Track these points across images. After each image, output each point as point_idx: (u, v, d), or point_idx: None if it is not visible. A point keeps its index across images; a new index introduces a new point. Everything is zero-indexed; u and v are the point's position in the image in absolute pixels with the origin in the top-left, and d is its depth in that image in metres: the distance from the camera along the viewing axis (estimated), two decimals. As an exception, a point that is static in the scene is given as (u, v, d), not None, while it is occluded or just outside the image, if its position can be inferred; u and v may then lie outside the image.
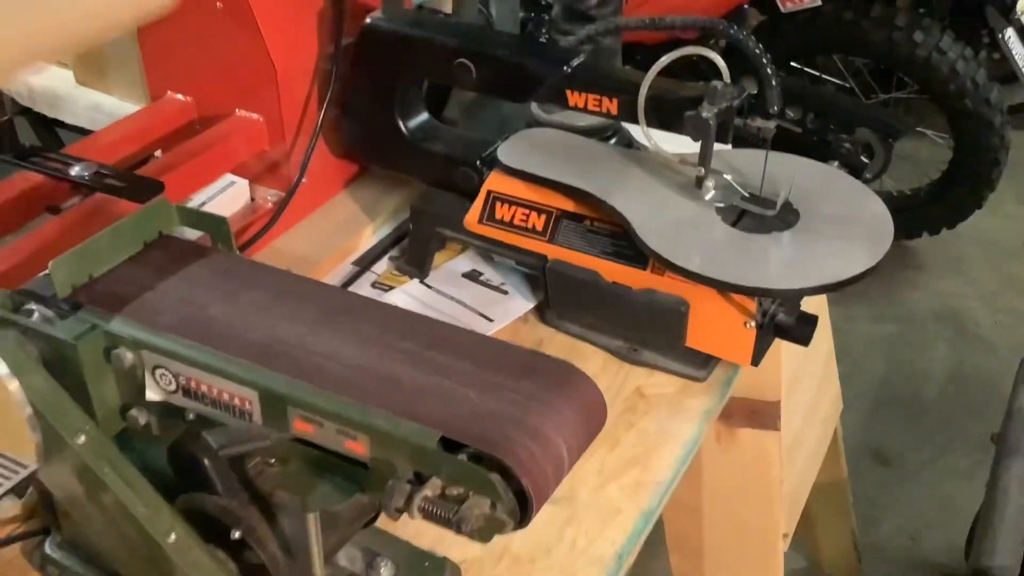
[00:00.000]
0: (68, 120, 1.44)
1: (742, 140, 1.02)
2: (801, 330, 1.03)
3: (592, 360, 1.08)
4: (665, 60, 0.99)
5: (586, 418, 0.69)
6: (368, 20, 1.14)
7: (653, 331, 1.05)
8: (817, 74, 2.91)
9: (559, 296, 1.09)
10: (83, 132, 1.39)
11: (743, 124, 0.98)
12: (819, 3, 2.63)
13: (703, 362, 1.06)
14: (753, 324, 1.00)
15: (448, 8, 1.30)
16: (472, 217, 1.11)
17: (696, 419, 1.03)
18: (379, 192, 1.29)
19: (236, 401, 0.68)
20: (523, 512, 0.63)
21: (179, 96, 1.23)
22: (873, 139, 2.60)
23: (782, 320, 1.02)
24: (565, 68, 1.03)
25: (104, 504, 0.70)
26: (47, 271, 0.73)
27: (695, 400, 1.04)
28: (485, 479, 0.62)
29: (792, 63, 2.84)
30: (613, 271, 1.04)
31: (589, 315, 1.09)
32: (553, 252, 1.07)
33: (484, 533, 0.64)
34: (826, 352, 1.47)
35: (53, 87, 1.46)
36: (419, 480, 0.64)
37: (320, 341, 0.70)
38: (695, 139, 0.97)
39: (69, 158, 1.07)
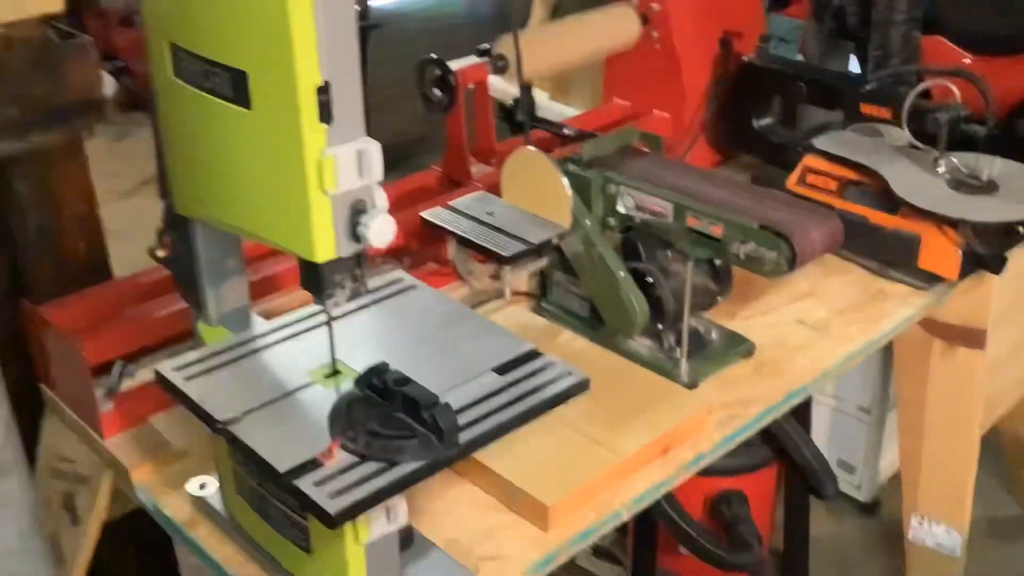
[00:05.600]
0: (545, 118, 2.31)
1: (969, 143, 1.66)
2: (993, 261, 1.63)
3: (849, 273, 1.74)
4: (921, 87, 1.65)
5: (831, 236, 1.38)
6: (744, 59, 1.90)
7: (898, 255, 1.69)
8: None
9: (840, 233, 1.76)
10: (553, 125, 2.25)
11: (966, 128, 1.62)
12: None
13: (928, 279, 1.68)
14: (959, 251, 1.62)
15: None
16: (792, 180, 1.81)
17: (916, 309, 1.66)
18: (734, 172, 2.03)
19: (659, 208, 1.44)
20: (793, 264, 1.33)
21: (621, 101, 2.05)
22: None
23: (980, 251, 1.63)
24: (860, 90, 1.73)
25: (591, 256, 1.48)
26: (580, 151, 1.53)
27: (918, 298, 1.67)
28: (778, 242, 1.32)
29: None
30: (876, 216, 1.70)
31: (857, 245, 1.75)
32: (839, 204, 1.75)
33: (771, 274, 1.34)
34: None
35: (539, 102, 2.35)
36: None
37: (700, 186, 1.45)
38: (931, 132, 1.63)
39: (562, 125, 1.92)
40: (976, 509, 1.97)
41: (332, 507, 0.86)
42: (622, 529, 2.12)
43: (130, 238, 2.27)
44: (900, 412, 1.93)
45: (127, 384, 1.41)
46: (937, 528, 1.93)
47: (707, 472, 1.86)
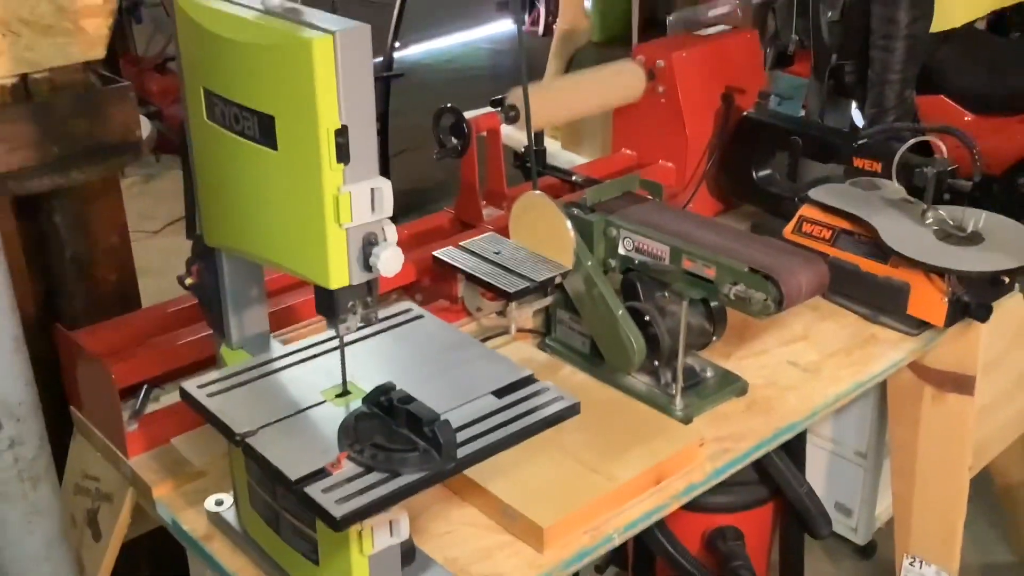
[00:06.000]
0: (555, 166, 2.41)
1: (956, 197, 1.74)
2: (979, 309, 1.70)
3: (842, 318, 1.81)
4: (909, 143, 1.74)
5: (817, 279, 1.46)
6: (744, 113, 2.00)
7: (888, 302, 1.77)
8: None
9: (831, 281, 1.84)
10: (562, 172, 2.35)
11: (953, 182, 1.71)
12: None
13: (917, 325, 1.76)
14: (946, 299, 1.69)
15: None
16: (788, 229, 1.90)
17: (905, 353, 1.73)
18: (735, 220, 2.12)
19: (659, 252, 1.53)
20: (780, 305, 1.41)
21: (628, 151, 2.15)
22: None
23: (966, 300, 1.70)
24: (853, 144, 1.82)
25: (592, 295, 1.57)
26: (584, 196, 1.63)
27: (907, 343, 1.74)
28: (766, 284, 1.41)
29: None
30: (867, 264, 1.78)
31: (850, 291, 1.82)
32: (833, 252, 1.83)
33: (759, 314, 1.42)
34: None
35: (550, 150, 2.45)
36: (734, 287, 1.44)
37: (696, 232, 1.53)
38: (920, 185, 1.71)
39: (571, 172, 2.01)
40: (969, 554, 2.02)
41: (337, 511, 0.94)
42: (623, 564, 2.17)
43: (157, 274, 2.38)
44: (893, 455, 1.99)
45: (151, 407, 1.50)
46: (928, 569, 1.98)
47: (704, 508, 1.94)
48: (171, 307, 1.61)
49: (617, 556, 2.15)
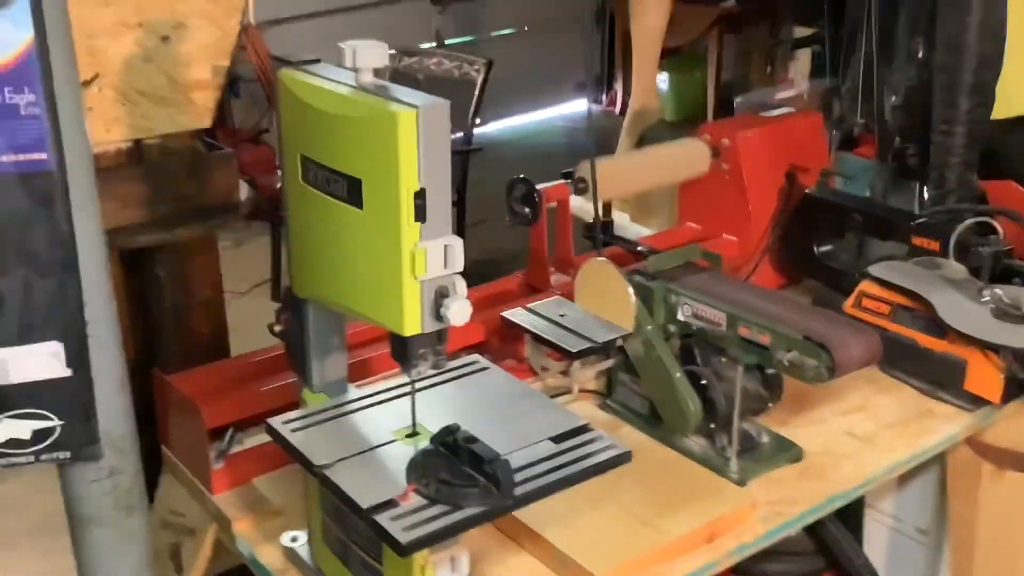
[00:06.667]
0: (622, 236, 2.50)
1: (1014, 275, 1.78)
2: (1035, 386, 1.73)
3: (900, 391, 1.85)
4: (967, 223, 1.80)
5: (869, 349, 1.51)
6: (807, 191, 2.07)
7: (946, 377, 1.81)
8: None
9: (889, 355, 1.88)
10: (629, 242, 2.44)
11: (1009, 262, 1.75)
12: None
13: (974, 400, 1.79)
14: (1003, 376, 1.73)
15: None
16: (848, 303, 1.95)
17: (962, 428, 1.76)
18: (797, 295, 2.18)
19: (716, 318, 1.60)
20: (832, 372, 1.47)
21: (692, 224, 2.23)
22: None
23: (1022, 377, 1.73)
24: (911, 223, 1.88)
25: (652, 358, 1.64)
26: (647, 264, 1.71)
27: (964, 418, 1.78)
28: (819, 352, 1.47)
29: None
30: (925, 340, 1.82)
31: (908, 365, 1.87)
32: (891, 327, 1.88)
33: (813, 380, 1.48)
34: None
35: (620, 223, 2.55)
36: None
37: (753, 300, 1.61)
38: (975, 265, 1.76)
39: (637, 243, 2.11)
40: (1031, 636, 2.00)
41: (404, 538, 1.03)
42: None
43: (243, 331, 2.52)
44: (952, 532, 2.00)
45: (236, 448, 1.62)
46: (987, 649, 1.97)
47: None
48: (256, 357, 1.73)
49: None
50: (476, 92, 3.62)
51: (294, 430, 1.22)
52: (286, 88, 1.21)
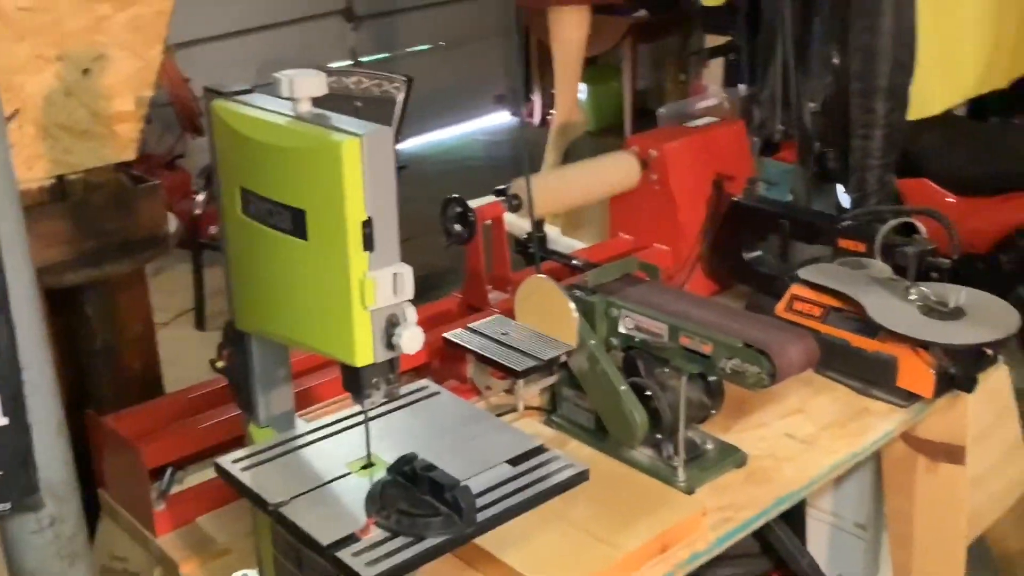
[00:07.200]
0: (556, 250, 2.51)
1: (941, 275, 1.84)
2: (964, 381, 1.79)
3: (835, 391, 1.89)
4: (891, 224, 1.85)
5: (808, 354, 1.55)
6: (734, 198, 2.11)
7: (878, 375, 1.85)
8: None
9: (823, 356, 1.92)
10: (564, 256, 2.45)
11: (933, 260, 1.81)
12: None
13: (907, 397, 1.84)
14: (933, 371, 1.78)
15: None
16: (780, 307, 1.99)
17: (897, 424, 1.81)
18: (730, 300, 2.21)
19: (656, 330, 1.62)
20: (773, 378, 1.49)
21: (625, 235, 2.25)
22: None
23: (952, 372, 1.79)
24: (837, 226, 1.93)
25: (596, 372, 1.65)
26: (586, 278, 1.72)
27: (898, 415, 1.82)
28: (760, 358, 1.49)
29: None
30: (857, 340, 1.87)
31: (841, 365, 1.91)
32: (823, 329, 1.92)
33: (754, 386, 1.51)
34: (1014, 433, 2.11)
35: (550, 235, 2.56)
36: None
37: (693, 310, 1.63)
38: (900, 264, 1.81)
39: (571, 257, 2.12)
40: (968, 624, 2.06)
41: (368, 573, 1.01)
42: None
43: (170, 363, 2.47)
44: (891, 526, 2.05)
45: (176, 488, 1.57)
46: (929, 638, 2.02)
47: (709, 581, 1.99)
48: (192, 393, 1.69)
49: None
50: (398, 110, 3.60)
51: (244, 468, 1.20)
52: (220, 120, 1.18)
